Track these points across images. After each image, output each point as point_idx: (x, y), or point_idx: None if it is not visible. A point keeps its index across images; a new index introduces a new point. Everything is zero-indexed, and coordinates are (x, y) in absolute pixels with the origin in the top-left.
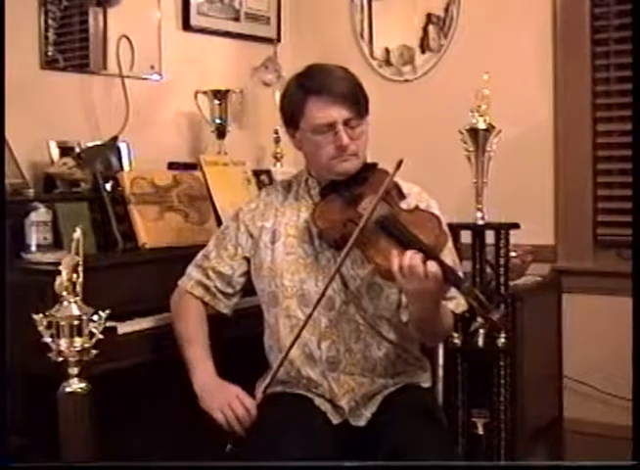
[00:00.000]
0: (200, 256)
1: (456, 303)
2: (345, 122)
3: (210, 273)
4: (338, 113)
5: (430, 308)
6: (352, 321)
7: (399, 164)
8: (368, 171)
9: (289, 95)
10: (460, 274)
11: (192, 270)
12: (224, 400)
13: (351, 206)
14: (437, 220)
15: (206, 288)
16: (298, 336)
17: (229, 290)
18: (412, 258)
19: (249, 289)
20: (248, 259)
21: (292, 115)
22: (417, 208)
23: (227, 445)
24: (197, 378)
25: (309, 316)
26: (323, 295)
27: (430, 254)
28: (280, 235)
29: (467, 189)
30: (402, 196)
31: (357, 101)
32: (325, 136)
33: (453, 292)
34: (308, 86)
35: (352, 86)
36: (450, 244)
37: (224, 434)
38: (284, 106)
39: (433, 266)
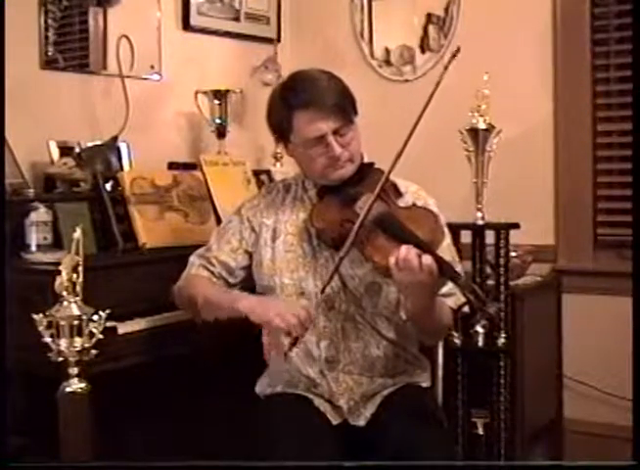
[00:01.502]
0: (201, 249)
1: (455, 299)
2: (335, 132)
3: (214, 261)
4: (326, 125)
5: (425, 303)
6: (351, 320)
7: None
8: (364, 172)
9: (275, 111)
10: (457, 268)
11: (195, 259)
12: (280, 307)
13: (348, 206)
14: (434, 216)
15: (211, 272)
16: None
17: (231, 279)
18: (407, 250)
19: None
20: (249, 254)
21: (281, 130)
22: (414, 205)
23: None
24: (242, 303)
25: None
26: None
27: (425, 248)
28: (280, 233)
29: (467, 189)
30: (399, 194)
31: (344, 109)
32: (316, 149)
33: (452, 289)
34: (293, 101)
35: (338, 94)
36: (449, 241)
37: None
38: (271, 121)
39: (427, 259)
